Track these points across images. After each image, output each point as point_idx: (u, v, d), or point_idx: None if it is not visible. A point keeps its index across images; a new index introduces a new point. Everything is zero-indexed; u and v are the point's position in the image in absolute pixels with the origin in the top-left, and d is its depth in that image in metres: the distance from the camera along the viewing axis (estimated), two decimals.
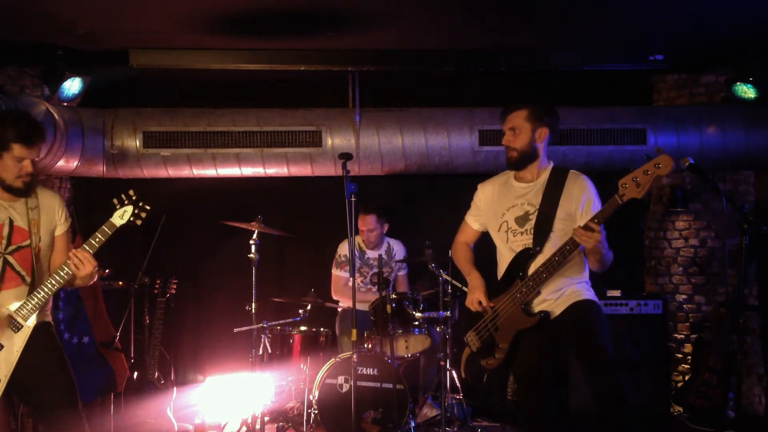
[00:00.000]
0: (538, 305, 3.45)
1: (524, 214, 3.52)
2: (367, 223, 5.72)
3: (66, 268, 3.22)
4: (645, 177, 3.17)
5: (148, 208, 3.31)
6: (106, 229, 3.24)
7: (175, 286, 5.28)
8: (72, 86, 5.16)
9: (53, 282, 3.22)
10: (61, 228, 3.42)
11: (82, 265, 3.20)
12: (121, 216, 3.26)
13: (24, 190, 3.28)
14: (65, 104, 5.36)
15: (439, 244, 4.75)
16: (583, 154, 5.68)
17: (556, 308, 3.44)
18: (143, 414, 4.92)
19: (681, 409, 5.65)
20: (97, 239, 3.23)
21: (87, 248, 3.22)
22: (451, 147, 5.69)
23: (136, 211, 3.28)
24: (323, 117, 5.69)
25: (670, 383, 5.95)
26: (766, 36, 5.12)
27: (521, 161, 3.54)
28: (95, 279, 3.38)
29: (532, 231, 3.46)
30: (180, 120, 5.63)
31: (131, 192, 3.32)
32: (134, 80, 5.84)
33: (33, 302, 3.20)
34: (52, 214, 3.39)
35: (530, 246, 3.45)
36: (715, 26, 4.97)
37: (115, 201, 3.29)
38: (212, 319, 6.27)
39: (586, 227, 3.21)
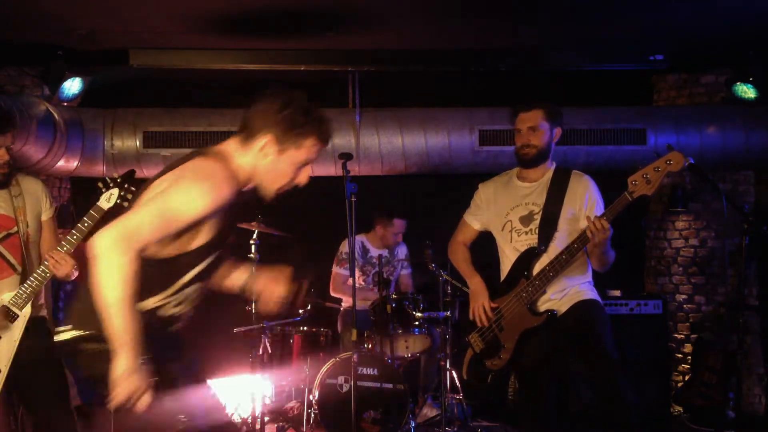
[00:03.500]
0: (543, 304, 3.45)
1: (529, 213, 3.51)
2: (399, 226, 5.75)
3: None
4: (656, 174, 3.18)
5: (134, 189, 3.22)
6: (93, 213, 3.19)
7: None
8: (72, 86, 5.16)
9: (43, 270, 3.19)
10: (47, 213, 3.39)
11: (59, 265, 3.17)
12: (108, 199, 3.20)
13: (2, 181, 3.24)
14: (65, 104, 5.36)
15: (439, 244, 4.75)
16: (583, 154, 5.68)
17: (560, 307, 3.44)
18: (143, 414, 4.90)
19: (681, 409, 5.65)
20: (86, 224, 3.18)
21: (76, 233, 3.17)
22: (451, 147, 5.69)
23: (122, 194, 3.22)
24: None
25: (670, 383, 5.95)
26: (766, 36, 5.12)
27: (538, 159, 3.53)
28: (75, 275, 3.29)
29: (536, 231, 3.46)
30: (180, 120, 5.63)
31: (116, 174, 3.27)
32: (134, 80, 5.83)
33: (26, 291, 3.17)
34: (37, 200, 3.35)
35: (535, 245, 3.45)
36: (715, 26, 4.97)
37: (100, 184, 3.23)
38: (212, 319, 6.26)
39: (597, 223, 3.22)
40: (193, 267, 2.31)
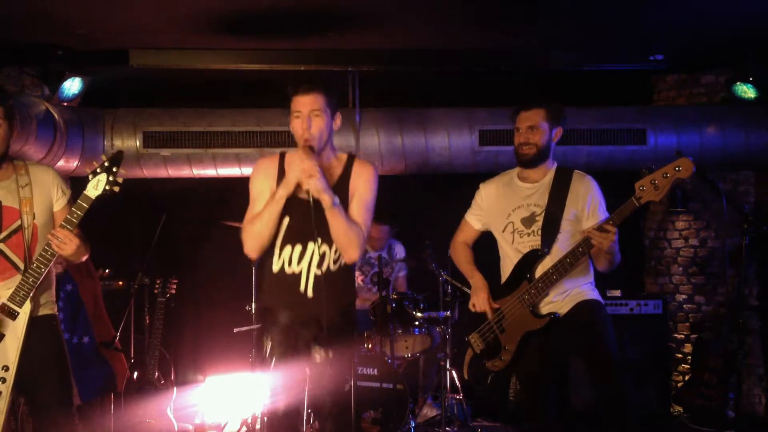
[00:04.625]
0: (545, 306, 3.44)
1: (531, 215, 3.50)
2: (380, 232, 5.76)
3: (48, 248, 3.07)
4: (664, 180, 3.17)
5: (123, 172, 3.10)
6: (82, 203, 3.05)
7: (175, 286, 5.27)
8: (72, 86, 5.16)
9: (38, 264, 3.08)
10: (59, 203, 3.24)
11: (64, 244, 3.05)
12: (95, 186, 3.05)
13: None
14: (65, 104, 5.36)
15: (439, 244, 4.76)
16: (583, 154, 5.68)
17: (562, 308, 3.43)
18: (143, 414, 4.92)
19: (681, 409, 5.65)
20: (75, 215, 3.05)
21: (67, 226, 3.05)
22: (451, 147, 5.69)
23: (110, 179, 3.06)
24: None
25: (670, 383, 5.95)
26: (766, 36, 5.12)
27: (537, 159, 3.51)
28: (86, 256, 3.24)
29: (539, 232, 3.44)
30: (180, 120, 5.63)
31: (103, 157, 3.11)
32: (134, 80, 5.83)
33: (23, 287, 3.09)
34: (47, 190, 3.21)
35: (538, 247, 3.43)
36: (715, 26, 4.97)
37: (88, 170, 3.08)
38: (212, 319, 6.27)
39: (601, 229, 3.21)
40: (279, 228, 3.01)
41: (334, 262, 3.04)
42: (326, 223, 2.96)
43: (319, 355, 3.02)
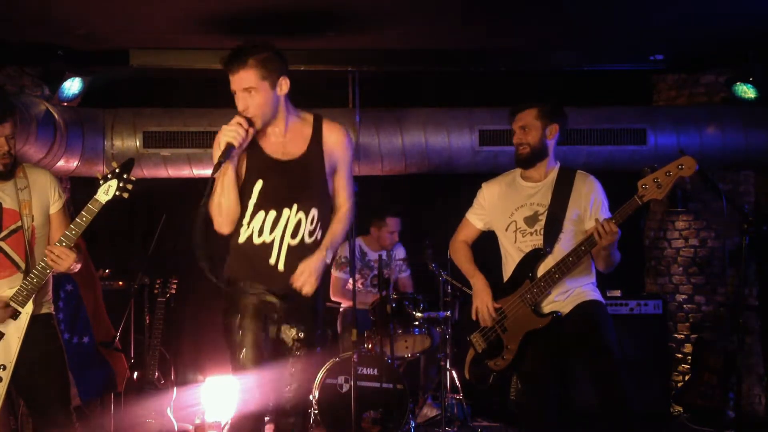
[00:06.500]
0: (547, 305, 3.44)
1: (533, 214, 3.50)
2: (393, 225, 5.76)
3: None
4: (667, 178, 3.17)
5: (133, 179, 3.18)
6: (91, 207, 3.11)
7: (175, 286, 5.27)
8: (72, 86, 5.16)
9: (44, 266, 3.13)
10: (56, 206, 3.31)
11: (60, 260, 3.09)
12: (106, 192, 3.13)
13: (3, 173, 3.18)
14: (65, 104, 5.36)
15: (439, 244, 4.76)
16: (583, 154, 5.68)
17: (564, 308, 3.43)
18: (143, 414, 4.91)
19: (681, 409, 5.65)
20: (84, 218, 3.10)
21: (74, 228, 3.10)
22: (451, 147, 5.69)
23: (121, 185, 3.15)
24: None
25: (670, 383, 5.95)
26: (766, 36, 5.13)
27: (532, 158, 3.52)
28: (78, 267, 3.26)
29: (542, 231, 3.44)
30: (180, 120, 5.63)
31: (114, 164, 3.20)
32: (134, 80, 5.83)
33: (27, 287, 3.12)
34: (44, 192, 3.28)
35: (540, 246, 3.44)
36: (715, 26, 4.97)
37: (99, 175, 3.16)
38: (212, 319, 6.24)
39: (604, 226, 3.21)
40: (251, 193, 2.84)
41: (310, 234, 2.88)
42: (304, 187, 2.84)
43: (288, 335, 2.88)
